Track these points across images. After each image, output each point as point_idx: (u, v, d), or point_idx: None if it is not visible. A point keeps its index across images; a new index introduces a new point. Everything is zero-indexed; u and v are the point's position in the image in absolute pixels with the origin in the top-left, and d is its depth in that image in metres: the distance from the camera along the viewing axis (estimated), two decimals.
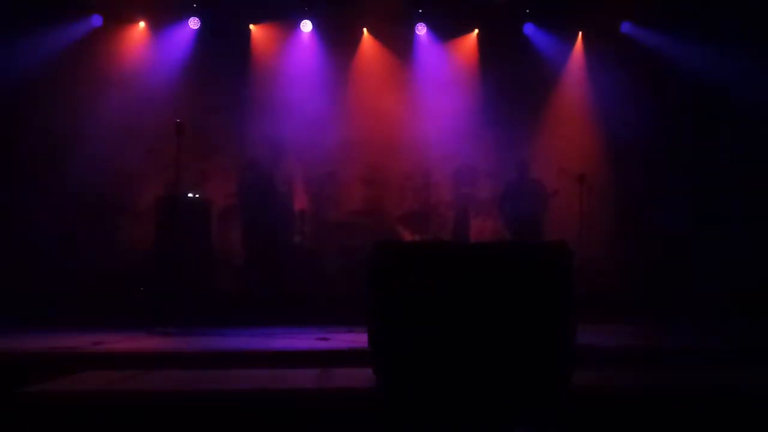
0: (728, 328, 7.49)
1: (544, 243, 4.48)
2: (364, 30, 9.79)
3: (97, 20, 9.35)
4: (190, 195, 8.63)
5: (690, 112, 9.53)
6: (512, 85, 9.54)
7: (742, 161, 9.17)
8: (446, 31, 9.84)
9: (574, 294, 4.29)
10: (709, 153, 9.43)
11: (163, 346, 5.60)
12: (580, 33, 9.92)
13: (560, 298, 4.25)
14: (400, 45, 9.74)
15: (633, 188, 9.45)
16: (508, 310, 4.20)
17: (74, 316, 7.69)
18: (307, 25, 9.60)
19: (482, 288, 4.19)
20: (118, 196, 9.00)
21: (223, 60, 9.36)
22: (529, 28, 9.85)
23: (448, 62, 9.85)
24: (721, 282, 8.35)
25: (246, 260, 9.17)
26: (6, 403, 3.75)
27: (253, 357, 5.12)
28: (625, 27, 9.85)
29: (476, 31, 9.91)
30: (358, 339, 5.33)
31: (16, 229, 8.46)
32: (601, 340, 5.73)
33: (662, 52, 9.65)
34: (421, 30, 9.80)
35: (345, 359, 5.06)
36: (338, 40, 9.64)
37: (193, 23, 9.47)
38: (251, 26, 9.66)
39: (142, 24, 9.49)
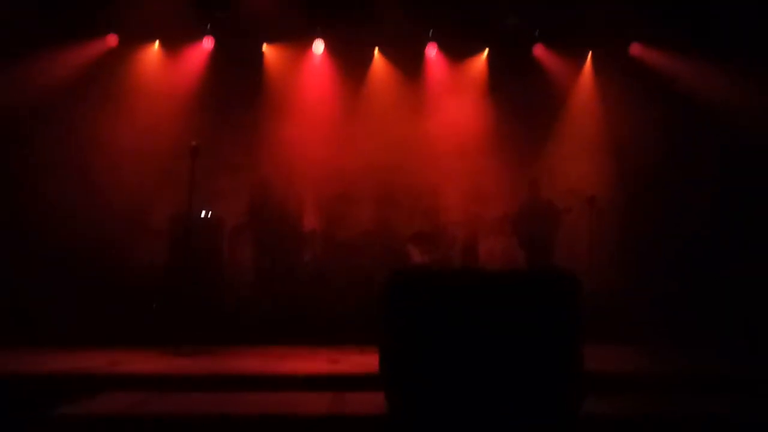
0: (738, 353, 7.47)
1: (555, 274, 4.51)
2: (376, 50, 9.92)
3: (112, 40, 9.48)
4: (203, 214, 8.71)
5: (699, 132, 9.54)
6: (522, 105, 9.61)
7: (755, 183, 9.16)
8: (456, 51, 9.94)
9: (582, 324, 4.33)
10: (721, 174, 9.42)
11: (177, 368, 5.66)
12: (590, 54, 10.00)
13: (570, 329, 4.29)
14: (410, 65, 9.85)
15: (643, 209, 9.45)
16: (519, 338, 4.25)
17: (89, 332, 7.78)
18: (319, 46, 9.72)
19: (494, 317, 4.24)
20: (131, 215, 9.07)
21: (236, 80, 9.48)
22: (538, 49, 9.93)
23: (459, 83, 9.93)
24: (733, 307, 8.32)
25: (256, 279, 9.22)
26: (34, 425, 3.84)
27: (266, 380, 5.17)
28: (635, 48, 9.90)
29: (486, 51, 10.01)
30: (369, 361, 5.36)
31: (29, 248, 8.54)
32: (611, 365, 5.74)
33: (671, 72, 9.70)
34: (432, 51, 9.89)
35: (356, 384, 5.10)
36: (350, 61, 9.75)
37: (207, 43, 9.60)
38: (264, 46, 9.78)
39: (156, 44, 9.62)
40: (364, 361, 5.90)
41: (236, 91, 9.38)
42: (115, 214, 8.96)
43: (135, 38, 9.51)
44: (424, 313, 4.20)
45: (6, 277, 8.22)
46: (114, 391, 4.81)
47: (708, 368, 6.21)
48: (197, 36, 9.59)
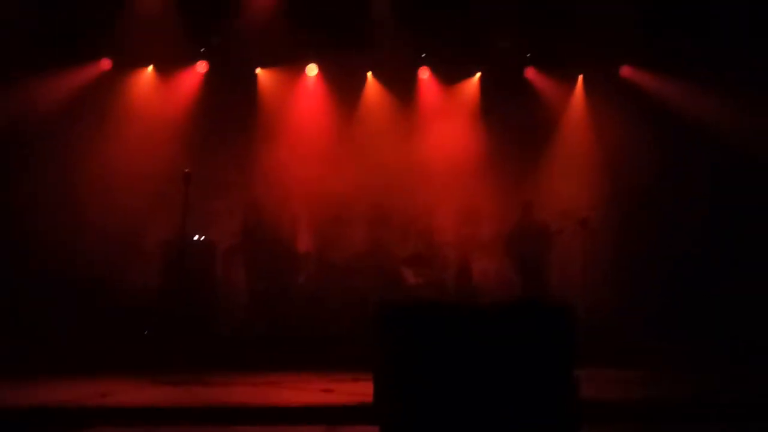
0: (736, 376, 7.47)
1: (547, 304, 4.53)
2: (369, 74, 9.99)
3: (106, 64, 9.53)
4: (195, 237, 8.71)
5: (691, 154, 9.62)
6: (514, 127, 9.69)
7: (746, 202, 9.22)
8: (449, 75, 10.04)
9: (575, 355, 4.35)
10: (712, 192, 9.49)
11: (168, 400, 5.64)
12: (581, 76, 10.09)
13: (564, 360, 4.30)
14: (403, 89, 9.95)
15: (636, 229, 9.49)
16: (514, 370, 4.25)
17: (80, 358, 7.74)
18: (312, 70, 9.78)
19: (488, 349, 4.25)
20: (124, 238, 9.07)
21: (229, 103, 9.54)
22: (530, 72, 10.01)
23: (451, 105, 10.00)
24: (727, 327, 8.34)
25: (250, 301, 9.22)
26: None
27: (258, 412, 5.15)
28: (625, 70, 9.99)
29: (478, 74, 10.10)
30: (363, 390, 5.35)
31: (18, 272, 8.51)
32: (607, 393, 5.74)
33: (662, 94, 9.79)
34: (425, 74, 9.97)
35: (350, 415, 5.09)
36: (343, 84, 9.84)
37: (201, 67, 9.65)
38: (258, 70, 9.84)
39: (150, 68, 9.66)
40: (358, 390, 5.87)
41: (230, 115, 9.44)
42: (108, 237, 8.96)
43: (129, 62, 9.57)
44: (413, 346, 4.21)
45: None
46: (103, 426, 4.77)
47: (706, 394, 6.19)
48: (191, 60, 9.65)
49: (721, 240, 9.12)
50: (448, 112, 9.92)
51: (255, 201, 9.35)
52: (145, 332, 8.18)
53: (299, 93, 9.84)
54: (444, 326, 4.24)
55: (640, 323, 8.88)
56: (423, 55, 9.90)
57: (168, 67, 9.65)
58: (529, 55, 9.95)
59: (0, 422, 4.87)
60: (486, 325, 4.26)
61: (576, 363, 4.31)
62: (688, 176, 9.55)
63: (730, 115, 9.31)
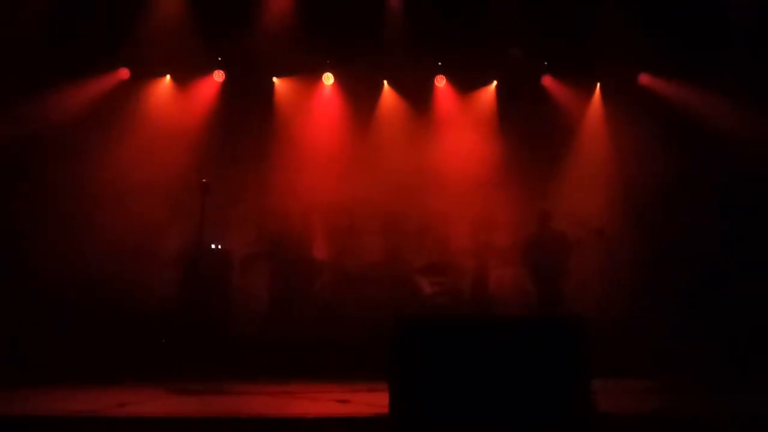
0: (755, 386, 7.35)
1: (564, 318, 4.49)
2: (385, 82, 9.98)
3: (123, 74, 9.60)
4: (212, 246, 8.74)
5: (710, 162, 9.50)
6: (531, 136, 9.64)
7: (764, 210, 9.10)
8: (465, 82, 10.01)
9: (592, 368, 4.31)
10: (732, 202, 9.37)
11: (185, 410, 5.65)
12: (598, 84, 10.02)
13: (581, 373, 4.27)
14: (419, 97, 9.92)
15: (653, 238, 9.39)
16: (530, 383, 4.22)
17: (97, 367, 7.80)
18: (329, 78, 9.80)
19: (504, 361, 4.22)
20: (141, 247, 9.10)
21: (246, 112, 9.57)
22: (547, 80, 9.96)
23: (468, 114, 9.96)
24: (747, 333, 8.24)
25: (265, 309, 9.23)
26: None
27: (275, 423, 5.14)
28: (644, 78, 9.91)
29: (495, 82, 10.05)
30: (379, 401, 5.32)
31: (36, 281, 8.55)
32: (624, 406, 5.66)
33: (681, 102, 9.70)
34: (441, 82, 9.95)
35: (366, 427, 5.06)
36: (359, 93, 9.84)
37: (218, 76, 9.70)
38: (274, 79, 9.87)
39: (167, 77, 9.72)
40: (374, 401, 5.84)
41: (246, 124, 9.46)
42: (124, 246, 8.99)
43: (146, 72, 9.63)
44: (429, 359, 4.20)
45: (12, 311, 8.26)
46: None
47: (723, 406, 6.10)
48: (208, 69, 9.70)
49: (740, 248, 8.99)
50: (465, 120, 9.88)
51: (271, 211, 9.36)
52: (162, 341, 8.20)
53: (315, 102, 9.86)
54: (460, 339, 4.22)
55: (658, 332, 8.79)
56: (439, 63, 9.86)
57: (185, 76, 9.70)
58: (546, 62, 9.88)
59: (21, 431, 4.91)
60: (502, 337, 4.23)
61: (592, 374, 4.28)
62: (706, 184, 9.43)
63: (749, 123, 9.20)
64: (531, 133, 9.59)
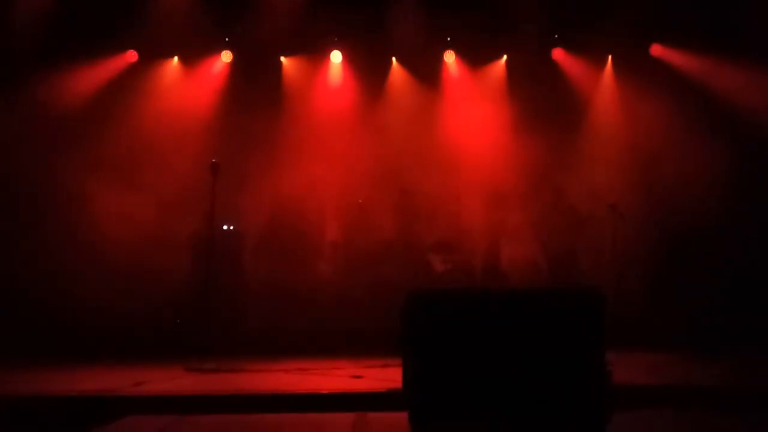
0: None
1: (578, 290, 4.46)
2: (393, 59, 9.91)
3: (132, 56, 9.59)
4: (225, 227, 8.77)
5: (724, 134, 9.37)
6: (542, 110, 9.52)
7: None
8: (475, 57, 9.89)
9: (607, 340, 4.29)
10: (744, 175, 9.24)
11: (200, 388, 5.71)
12: (610, 57, 9.88)
13: (596, 346, 4.24)
14: (429, 73, 9.83)
15: (666, 212, 9.30)
16: (542, 356, 4.21)
17: (114, 347, 7.92)
18: (337, 56, 9.73)
19: (516, 336, 4.21)
20: (152, 230, 9.13)
21: (255, 92, 9.53)
22: (558, 53, 9.84)
23: (478, 89, 9.87)
24: (761, 311, 8.18)
25: (279, 289, 9.26)
26: None
27: (289, 399, 5.18)
28: (655, 49, 9.76)
29: (505, 57, 9.94)
30: (393, 376, 5.35)
31: (52, 262, 8.65)
32: (638, 378, 5.67)
33: (694, 73, 9.55)
34: (450, 57, 9.85)
35: (379, 401, 5.09)
36: (368, 70, 9.77)
37: (226, 56, 9.67)
38: (282, 58, 9.82)
39: (175, 59, 9.70)
40: (388, 376, 5.89)
41: (255, 103, 9.42)
42: (137, 230, 9.02)
43: (154, 54, 9.61)
44: (442, 333, 4.19)
45: (31, 292, 8.36)
46: (138, 414, 4.85)
47: (736, 379, 6.09)
48: (216, 50, 9.66)
49: (755, 221, 8.89)
50: (475, 95, 9.79)
51: (282, 191, 9.35)
52: (177, 321, 8.27)
53: (324, 80, 9.80)
54: (472, 312, 4.20)
55: (671, 306, 8.75)
56: (448, 39, 9.76)
57: (193, 57, 9.67)
58: (556, 35, 9.75)
59: (37, 410, 4.98)
60: (515, 310, 4.22)
61: (606, 347, 4.26)
62: (720, 157, 9.30)
63: (764, 94, 9.05)
64: (542, 107, 9.48)
